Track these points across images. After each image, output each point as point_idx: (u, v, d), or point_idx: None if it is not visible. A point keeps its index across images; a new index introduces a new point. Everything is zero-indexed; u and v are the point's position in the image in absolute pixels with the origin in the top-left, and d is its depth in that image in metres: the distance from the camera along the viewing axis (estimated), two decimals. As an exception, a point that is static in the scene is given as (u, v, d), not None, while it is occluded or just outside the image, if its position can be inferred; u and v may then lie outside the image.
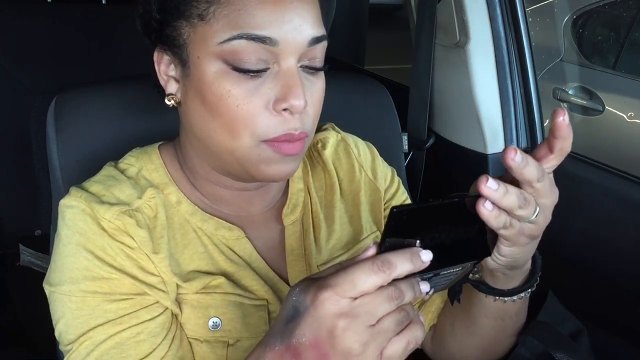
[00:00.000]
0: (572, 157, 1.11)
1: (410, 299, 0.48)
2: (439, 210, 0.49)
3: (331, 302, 0.46)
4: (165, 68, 0.69)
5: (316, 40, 0.65)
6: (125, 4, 1.51)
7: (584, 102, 2.27)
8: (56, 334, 0.68)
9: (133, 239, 0.67)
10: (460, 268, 0.55)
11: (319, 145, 0.84)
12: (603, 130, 2.22)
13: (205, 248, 0.71)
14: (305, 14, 0.63)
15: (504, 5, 1.12)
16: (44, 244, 0.94)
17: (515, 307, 0.70)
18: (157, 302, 0.68)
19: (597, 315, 0.95)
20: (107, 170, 0.73)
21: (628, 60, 2.26)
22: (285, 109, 0.63)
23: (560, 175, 1.08)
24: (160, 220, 0.70)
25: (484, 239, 0.54)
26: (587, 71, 2.34)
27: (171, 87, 0.69)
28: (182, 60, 0.66)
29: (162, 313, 0.68)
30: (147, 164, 0.74)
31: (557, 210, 1.14)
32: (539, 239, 0.60)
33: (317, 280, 0.48)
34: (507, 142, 1.15)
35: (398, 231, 0.47)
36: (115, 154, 0.78)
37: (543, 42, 2.42)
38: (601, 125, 2.22)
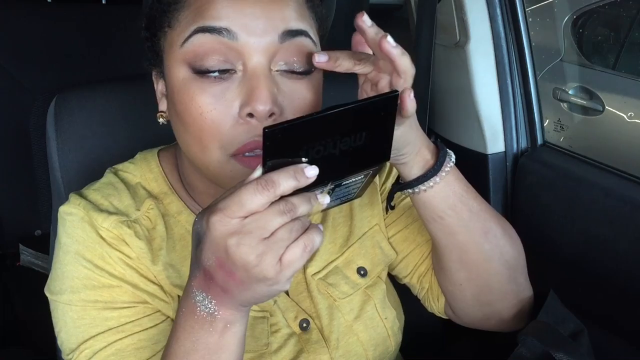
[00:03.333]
0: (572, 157, 1.11)
1: (306, 211, 0.50)
2: (317, 124, 0.48)
3: (222, 223, 0.49)
4: (161, 87, 0.69)
5: (290, 34, 0.60)
6: (125, 4, 1.51)
7: (584, 102, 2.27)
8: (58, 342, 0.68)
9: (131, 249, 0.67)
10: (363, 176, 0.56)
11: None
12: (603, 130, 2.22)
13: None
14: (273, 7, 0.59)
15: (504, 5, 1.12)
16: (44, 244, 0.94)
17: (443, 202, 0.67)
18: (159, 311, 0.68)
19: (597, 315, 0.95)
20: (107, 177, 0.73)
21: (628, 60, 2.26)
22: (250, 115, 0.59)
23: (561, 175, 1.08)
24: (159, 232, 0.70)
25: (379, 144, 0.54)
26: (587, 71, 2.34)
27: (162, 105, 0.69)
28: (163, 74, 0.66)
29: (163, 321, 0.68)
30: (147, 173, 0.74)
31: (557, 210, 1.14)
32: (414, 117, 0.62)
33: (211, 206, 0.50)
34: (507, 142, 1.15)
35: (279, 150, 0.48)
36: (115, 154, 0.78)
37: (543, 42, 2.42)
38: (601, 125, 2.22)
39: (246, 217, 0.48)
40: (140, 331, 0.66)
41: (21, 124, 1.39)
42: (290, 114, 0.61)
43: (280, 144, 0.48)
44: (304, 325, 0.74)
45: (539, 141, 1.17)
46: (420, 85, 1.21)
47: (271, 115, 0.59)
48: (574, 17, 2.38)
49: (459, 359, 1.17)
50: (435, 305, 0.83)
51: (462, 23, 1.11)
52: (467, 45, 1.11)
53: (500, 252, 0.72)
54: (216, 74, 0.59)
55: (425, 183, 0.66)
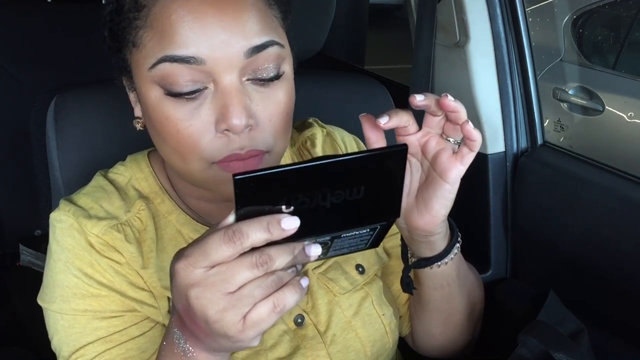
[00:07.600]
0: (572, 157, 1.11)
1: (285, 264, 0.46)
2: (297, 175, 0.43)
3: (186, 272, 0.46)
4: (133, 97, 0.69)
5: (256, 50, 0.59)
6: (125, 4, 1.50)
7: (584, 102, 2.27)
8: (52, 348, 0.69)
9: (121, 254, 0.67)
10: (369, 229, 0.52)
11: (308, 143, 0.83)
12: (603, 130, 2.23)
13: None
14: (234, 24, 0.58)
15: (504, 5, 1.12)
16: (44, 244, 0.94)
17: (454, 270, 0.73)
18: (147, 317, 0.68)
19: (597, 315, 0.95)
20: (97, 180, 0.73)
21: (628, 60, 2.26)
22: (227, 130, 0.59)
23: (561, 175, 1.08)
24: (150, 234, 0.70)
25: (384, 200, 0.50)
26: (587, 71, 2.34)
27: (138, 111, 0.69)
28: (134, 87, 0.66)
29: (152, 328, 0.68)
30: (137, 172, 0.74)
31: (557, 210, 1.14)
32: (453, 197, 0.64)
33: (181, 250, 0.48)
34: (507, 142, 1.15)
35: (252, 199, 0.44)
36: (114, 154, 0.78)
37: (543, 42, 2.42)
38: (601, 125, 2.22)
39: (212, 267, 0.46)
40: (128, 340, 0.66)
41: (21, 124, 1.39)
42: (266, 120, 0.61)
43: (253, 193, 0.43)
44: (299, 320, 0.74)
45: (539, 141, 1.17)
46: (421, 85, 1.21)
47: (248, 127, 0.59)
48: (574, 17, 2.38)
49: (458, 358, 1.17)
50: (402, 329, 0.87)
51: (462, 23, 1.11)
52: (467, 45, 1.11)
53: (473, 309, 0.79)
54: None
55: (437, 263, 0.70)
